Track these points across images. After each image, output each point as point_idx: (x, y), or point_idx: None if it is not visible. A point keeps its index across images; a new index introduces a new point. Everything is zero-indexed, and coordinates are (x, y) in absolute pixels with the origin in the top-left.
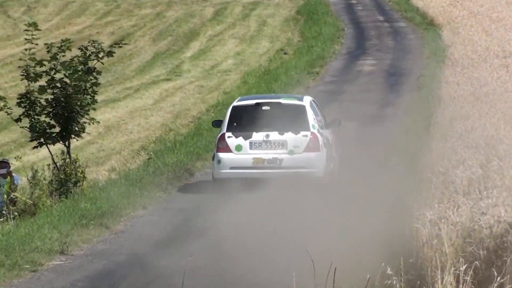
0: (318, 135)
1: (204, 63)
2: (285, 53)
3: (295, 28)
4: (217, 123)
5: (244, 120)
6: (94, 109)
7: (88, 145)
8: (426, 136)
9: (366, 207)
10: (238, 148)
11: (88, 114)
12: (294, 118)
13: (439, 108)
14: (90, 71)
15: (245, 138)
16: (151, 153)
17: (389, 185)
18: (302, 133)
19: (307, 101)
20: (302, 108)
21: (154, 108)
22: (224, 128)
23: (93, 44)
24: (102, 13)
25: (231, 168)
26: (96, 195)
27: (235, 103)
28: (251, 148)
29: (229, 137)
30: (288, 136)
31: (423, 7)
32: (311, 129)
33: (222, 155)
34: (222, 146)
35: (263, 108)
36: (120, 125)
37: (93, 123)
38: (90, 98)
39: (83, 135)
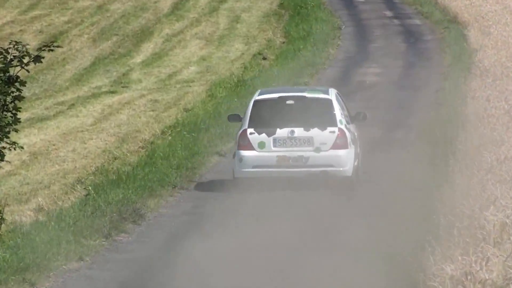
0: (346, 131)
1: (159, 71)
2: (264, 59)
3: (278, 26)
4: (233, 117)
5: (267, 115)
6: (16, 131)
7: (8, 177)
8: (447, 168)
9: (369, 261)
10: (261, 145)
11: (8, 137)
12: (320, 113)
13: (463, 131)
14: (11, 81)
15: (269, 135)
16: (90, 188)
17: (399, 232)
18: (329, 129)
19: (333, 94)
20: (329, 102)
21: (94, 130)
22: (245, 124)
23: (15, 46)
24: (27, 5)
25: (254, 167)
26: (18, 242)
27: (257, 97)
28: (274, 145)
29: (251, 133)
30: (314, 132)
31: None
32: (339, 125)
33: (244, 152)
34: (244, 143)
35: (287, 102)
36: (50, 152)
37: (14, 148)
38: (11, 116)
39: (1, 163)
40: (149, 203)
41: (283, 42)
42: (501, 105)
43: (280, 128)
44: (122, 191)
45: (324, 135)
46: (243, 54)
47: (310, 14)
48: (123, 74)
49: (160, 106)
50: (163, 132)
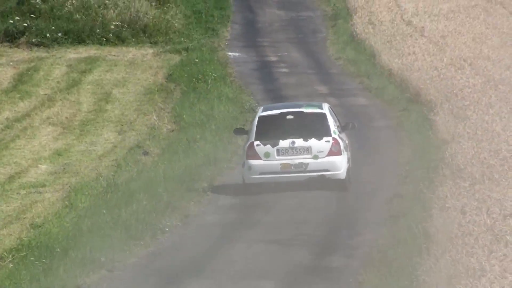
0: (339, 139)
1: None
2: (146, 153)
3: (165, 108)
4: (238, 131)
5: (270, 129)
6: None
7: None
8: None
9: None
10: (267, 155)
11: None
12: (316, 125)
13: (428, 256)
14: None
15: (273, 146)
16: None
17: None
18: (325, 138)
19: (326, 108)
20: (323, 115)
21: None
22: (252, 137)
23: None
24: None
25: (261, 173)
26: None
27: (261, 114)
28: (278, 154)
29: (257, 145)
30: (312, 142)
31: (400, 69)
32: (333, 135)
33: (252, 162)
34: (252, 153)
35: (287, 117)
36: None
37: None
38: None
39: None
40: None
41: (172, 130)
42: (482, 220)
43: (282, 139)
44: None
45: (320, 144)
46: (115, 147)
47: (211, 90)
48: None
49: None
50: (1, 258)
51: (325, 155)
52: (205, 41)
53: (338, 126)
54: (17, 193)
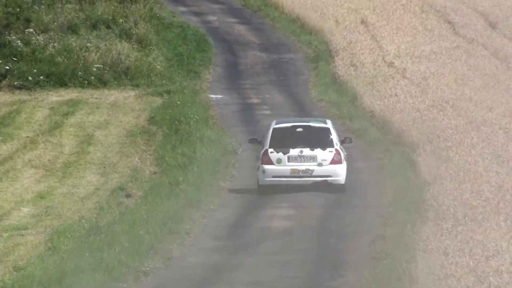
0: (340, 150)
1: None
2: (128, 196)
3: (147, 150)
4: (252, 140)
5: (282, 139)
6: None
7: None
8: None
9: None
10: (279, 161)
11: None
12: (321, 138)
13: None
14: None
15: (284, 153)
16: None
17: None
18: (328, 149)
19: (330, 124)
20: (328, 130)
21: None
22: (267, 145)
23: None
24: None
25: (273, 176)
26: None
27: (275, 126)
28: (288, 161)
29: (271, 152)
30: (317, 151)
31: (383, 111)
32: (335, 146)
33: (266, 166)
34: (266, 159)
35: (297, 130)
36: None
37: None
38: None
39: None
40: None
41: (155, 173)
42: (464, 261)
43: (292, 148)
44: None
45: (324, 154)
46: (97, 189)
47: (193, 132)
48: None
49: None
50: None
51: (328, 163)
52: (187, 83)
53: (339, 139)
54: (0, 236)
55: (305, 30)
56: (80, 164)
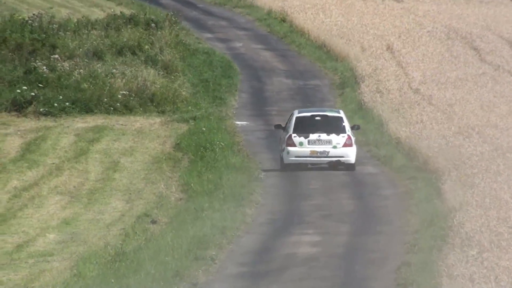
0: (351, 135)
1: (4, 239)
2: (154, 222)
3: (173, 176)
4: (277, 126)
5: (304, 125)
6: None
7: None
8: None
9: None
10: (300, 144)
11: None
12: (336, 125)
13: None
14: None
15: (305, 138)
16: None
17: None
18: (341, 134)
19: (342, 114)
20: (341, 118)
21: None
22: (290, 130)
23: None
24: None
25: (296, 156)
26: None
27: (298, 115)
28: (308, 144)
29: (294, 136)
30: (333, 136)
31: (408, 138)
32: (347, 132)
33: (290, 148)
34: (290, 142)
35: (316, 118)
36: None
37: None
38: None
39: None
40: None
41: (180, 199)
42: None
43: (312, 133)
44: None
45: (338, 138)
46: (123, 215)
47: (219, 158)
48: None
49: None
50: None
51: (341, 146)
52: (213, 110)
53: (349, 126)
54: (25, 262)
55: (330, 57)
56: (105, 191)
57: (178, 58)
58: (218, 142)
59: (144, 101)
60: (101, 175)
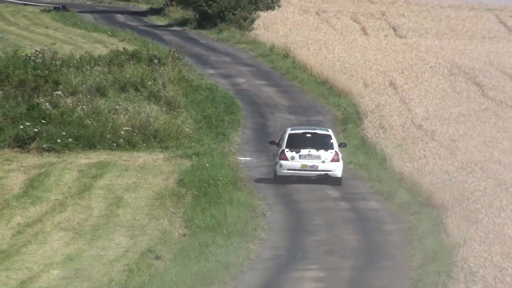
0: (338, 152)
1: (8, 275)
2: (158, 258)
3: (176, 212)
4: (272, 142)
5: (296, 141)
6: None
7: None
8: None
9: None
10: (292, 158)
11: None
12: (324, 142)
13: None
14: None
15: (296, 152)
16: None
17: None
18: (330, 150)
19: (331, 132)
20: (329, 136)
21: None
22: (283, 145)
23: None
24: None
25: (288, 169)
26: None
27: (290, 132)
28: (299, 158)
29: (287, 151)
30: (321, 152)
31: (412, 173)
32: (335, 148)
33: (282, 161)
34: (283, 156)
35: (307, 135)
36: None
37: None
38: None
39: None
40: None
41: (184, 235)
42: None
43: (303, 149)
44: None
45: (327, 154)
46: (127, 251)
47: (223, 194)
48: None
49: None
50: None
51: (329, 161)
52: (216, 145)
53: (337, 143)
54: None
55: (333, 92)
56: (109, 227)
57: (181, 94)
58: (221, 178)
59: (147, 137)
60: (104, 211)
